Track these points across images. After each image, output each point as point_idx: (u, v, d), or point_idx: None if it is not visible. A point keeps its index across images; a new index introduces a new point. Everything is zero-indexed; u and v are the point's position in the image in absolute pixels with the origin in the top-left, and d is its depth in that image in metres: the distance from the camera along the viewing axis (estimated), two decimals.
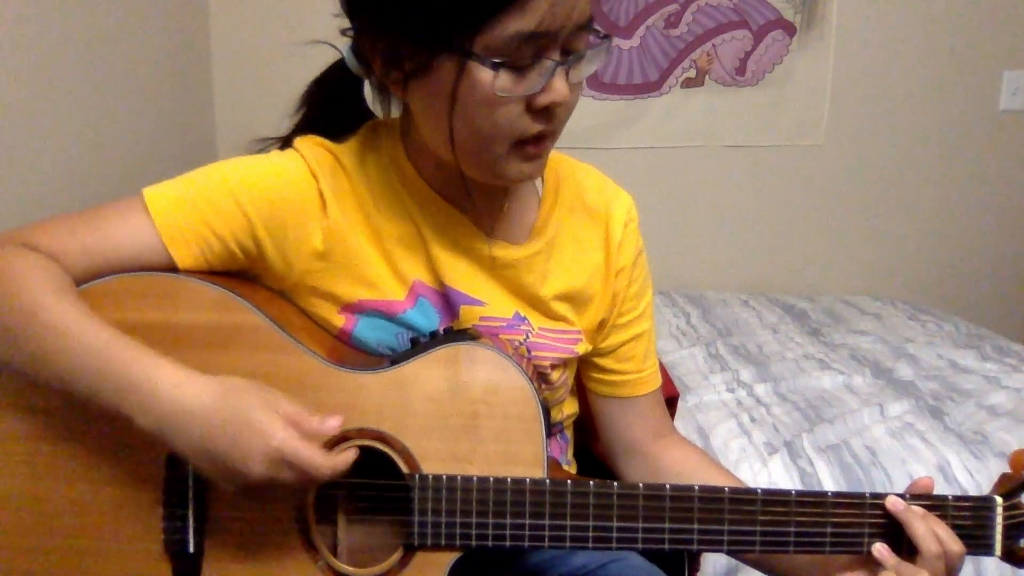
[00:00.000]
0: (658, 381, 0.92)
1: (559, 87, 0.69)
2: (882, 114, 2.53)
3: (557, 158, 0.88)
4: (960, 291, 2.67)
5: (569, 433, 0.95)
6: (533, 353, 0.83)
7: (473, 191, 0.79)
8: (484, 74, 0.66)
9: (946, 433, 1.47)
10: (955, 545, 0.71)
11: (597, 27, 0.71)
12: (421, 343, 0.77)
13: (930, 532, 0.70)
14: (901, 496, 0.73)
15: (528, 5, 0.64)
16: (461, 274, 0.81)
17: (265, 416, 0.65)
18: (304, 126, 0.84)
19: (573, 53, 0.70)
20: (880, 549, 0.72)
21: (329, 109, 0.84)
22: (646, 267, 0.91)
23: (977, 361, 1.89)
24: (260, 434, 0.64)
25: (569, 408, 0.93)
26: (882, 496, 0.73)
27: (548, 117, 0.71)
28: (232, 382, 0.67)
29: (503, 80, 0.67)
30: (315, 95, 0.85)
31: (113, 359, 0.66)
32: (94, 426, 0.73)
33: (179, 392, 0.65)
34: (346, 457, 0.68)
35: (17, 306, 0.68)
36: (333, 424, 0.68)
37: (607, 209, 0.87)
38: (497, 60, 0.66)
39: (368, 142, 0.82)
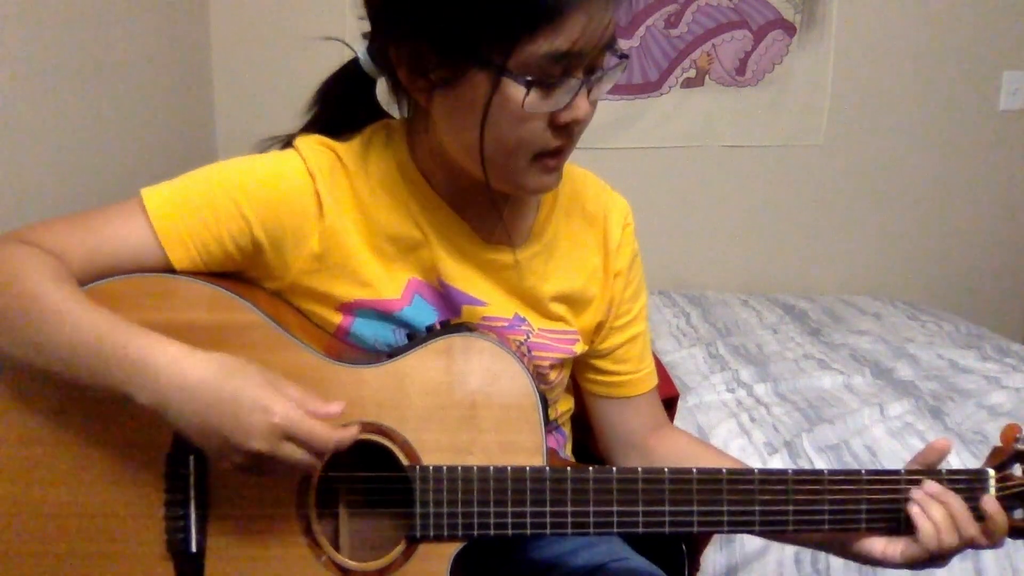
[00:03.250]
0: (654, 380, 0.93)
1: (582, 105, 0.71)
2: (882, 114, 2.54)
3: None
4: (960, 291, 2.67)
5: (567, 429, 0.95)
6: (533, 353, 0.84)
7: (475, 196, 0.79)
8: (516, 91, 0.67)
9: (946, 433, 1.47)
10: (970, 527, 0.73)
11: (618, 47, 0.73)
12: (419, 336, 0.78)
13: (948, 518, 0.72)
14: (898, 472, 0.75)
15: (563, 26, 0.65)
16: (462, 276, 0.81)
17: (266, 392, 0.65)
18: (314, 124, 0.85)
19: (596, 71, 0.71)
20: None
21: (342, 107, 0.84)
22: (641, 271, 0.92)
23: (977, 361, 1.89)
24: (262, 409, 0.64)
25: (564, 405, 0.93)
26: (878, 472, 0.75)
27: (568, 132, 0.73)
28: (232, 360, 0.67)
29: (533, 97, 0.68)
30: (328, 93, 0.85)
31: (112, 339, 0.66)
32: (94, 428, 0.73)
33: (178, 368, 0.65)
34: (349, 432, 0.68)
35: (16, 293, 0.68)
36: (335, 409, 0.68)
37: (605, 213, 0.88)
38: (530, 78, 0.67)
39: (373, 142, 0.82)
